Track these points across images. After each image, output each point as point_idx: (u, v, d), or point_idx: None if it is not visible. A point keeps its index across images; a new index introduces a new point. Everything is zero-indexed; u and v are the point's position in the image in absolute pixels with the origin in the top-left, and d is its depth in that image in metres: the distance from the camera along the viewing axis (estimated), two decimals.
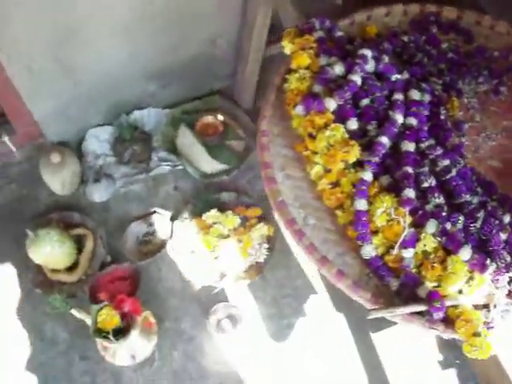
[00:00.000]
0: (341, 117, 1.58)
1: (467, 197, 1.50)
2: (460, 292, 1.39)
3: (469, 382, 2.41)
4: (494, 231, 1.44)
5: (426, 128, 1.62)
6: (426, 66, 1.80)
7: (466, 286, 1.38)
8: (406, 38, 1.85)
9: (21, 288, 2.49)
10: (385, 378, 2.39)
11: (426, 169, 1.54)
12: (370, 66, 1.65)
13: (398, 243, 1.41)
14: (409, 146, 1.55)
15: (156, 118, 2.85)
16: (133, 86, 2.70)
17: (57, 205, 2.68)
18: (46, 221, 2.54)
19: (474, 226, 1.45)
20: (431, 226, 1.41)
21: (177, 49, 2.60)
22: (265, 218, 2.59)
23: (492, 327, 1.36)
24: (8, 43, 2.17)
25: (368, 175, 1.49)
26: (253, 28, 2.38)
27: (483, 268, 1.36)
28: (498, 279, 1.38)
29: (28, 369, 2.36)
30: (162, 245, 2.57)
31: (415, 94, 1.64)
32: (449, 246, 1.40)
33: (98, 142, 2.78)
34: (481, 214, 1.47)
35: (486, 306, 1.41)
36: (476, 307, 1.40)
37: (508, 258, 1.39)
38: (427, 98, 1.67)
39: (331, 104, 1.57)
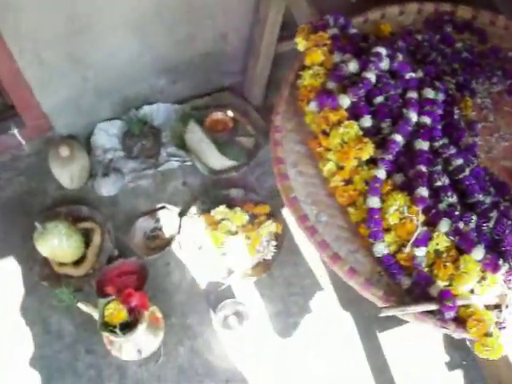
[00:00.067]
0: (354, 114, 1.58)
1: (480, 196, 1.50)
2: (472, 292, 1.40)
3: (476, 383, 2.40)
4: (507, 231, 1.44)
5: (439, 127, 1.62)
6: (439, 65, 1.80)
7: (478, 285, 1.38)
8: (420, 37, 1.85)
9: (27, 281, 2.49)
10: (391, 378, 2.38)
11: (440, 168, 1.54)
12: (385, 64, 1.65)
13: (411, 242, 1.41)
14: (422, 145, 1.55)
15: (165, 113, 2.84)
16: (143, 80, 2.70)
17: (65, 198, 2.68)
18: (54, 214, 2.54)
19: (487, 226, 1.45)
20: (444, 225, 1.41)
21: (188, 44, 2.60)
22: (273, 215, 2.58)
23: (504, 327, 1.36)
24: (20, 35, 2.17)
25: (381, 173, 1.49)
26: (265, 24, 2.37)
27: (496, 268, 1.36)
28: (510, 279, 1.38)
29: (33, 361, 2.36)
30: (170, 240, 2.57)
31: (429, 93, 1.64)
32: (461, 246, 1.40)
33: (107, 136, 2.77)
34: (493, 214, 1.47)
35: (497, 307, 1.41)
36: (487, 307, 1.40)
37: None
38: (441, 96, 1.67)
39: (345, 101, 1.57)
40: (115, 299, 2.13)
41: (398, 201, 1.44)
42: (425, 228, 1.42)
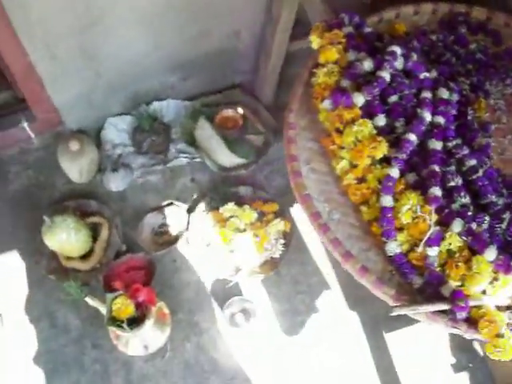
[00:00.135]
0: (368, 112, 1.58)
1: (493, 198, 1.50)
2: (484, 292, 1.39)
3: None
4: None
5: (453, 127, 1.62)
6: (453, 66, 1.80)
7: (490, 286, 1.38)
8: (434, 37, 1.85)
9: (34, 274, 2.49)
10: (396, 378, 2.38)
11: (453, 168, 1.54)
12: (399, 63, 1.65)
13: (423, 241, 1.41)
14: (436, 145, 1.54)
15: (175, 109, 2.84)
16: (154, 76, 2.70)
17: (73, 192, 2.68)
18: (62, 208, 2.54)
19: (500, 227, 1.45)
20: (457, 225, 1.41)
21: (200, 41, 2.60)
22: (281, 213, 2.58)
23: None
24: (32, 28, 2.17)
25: (395, 172, 1.49)
26: (278, 22, 2.37)
27: (508, 269, 1.35)
28: None
29: (39, 355, 2.36)
30: (178, 237, 2.57)
31: (444, 93, 1.64)
32: (474, 246, 1.39)
33: (117, 131, 2.78)
34: (506, 216, 1.47)
35: (509, 308, 1.41)
36: (499, 308, 1.39)
37: None
38: (455, 97, 1.67)
39: (359, 99, 1.57)
40: (123, 294, 2.13)
41: (412, 200, 1.44)
42: (437, 228, 1.42)
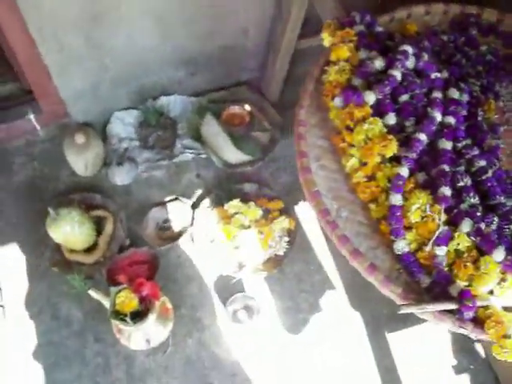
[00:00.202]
0: (379, 111, 1.58)
1: (502, 199, 1.50)
2: (491, 293, 1.39)
3: None
4: None
5: (463, 128, 1.62)
6: (464, 67, 1.80)
7: (498, 287, 1.38)
8: (445, 38, 1.85)
9: (38, 266, 2.48)
10: (397, 379, 2.38)
11: (462, 168, 1.54)
12: (411, 63, 1.65)
13: (432, 240, 1.41)
14: (446, 145, 1.55)
15: (182, 105, 2.84)
16: (161, 71, 2.70)
17: (78, 185, 2.68)
18: (67, 201, 2.54)
19: (508, 228, 1.45)
20: (466, 225, 1.41)
21: (208, 37, 2.60)
22: (286, 211, 2.58)
23: None
24: (41, 20, 2.17)
25: (405, 171, 1.49)
26: (287, 20, 2.37)
27: None
28: None
29: (40, 347, 2.35)
30: (182, 232, 2.57)
31: (454, 93, 1.64)
32: (482, 247, 1.40)
33: (123, 125, 2.78)
34: None
35: None
36: (506, 309, 1.39)
37: None
38: (466, 98, 1.67)
39: (370, 97, 1.57)
40: (126, 288, 2.13)
41: (421, 199, 1.44)
42: (446, 227, 1.42)
